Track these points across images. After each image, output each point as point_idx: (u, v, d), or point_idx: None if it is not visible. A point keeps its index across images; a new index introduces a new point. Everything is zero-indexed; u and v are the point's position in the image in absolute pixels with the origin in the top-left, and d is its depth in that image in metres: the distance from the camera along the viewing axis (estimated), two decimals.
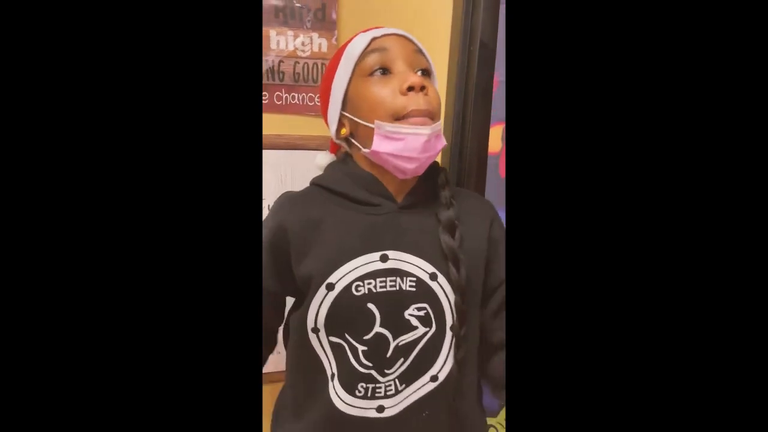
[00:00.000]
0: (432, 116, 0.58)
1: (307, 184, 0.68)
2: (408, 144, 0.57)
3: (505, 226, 0.89)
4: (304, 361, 0.63)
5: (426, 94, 0.58)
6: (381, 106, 0.58)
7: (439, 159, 0.91)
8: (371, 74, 0.59)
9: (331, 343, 0.61)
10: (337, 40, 0.85)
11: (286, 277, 0.62)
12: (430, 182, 0.64)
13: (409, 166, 0.59)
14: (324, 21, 0.84)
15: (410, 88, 0.57)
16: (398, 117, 0.57)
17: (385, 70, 0.59)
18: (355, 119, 0.60)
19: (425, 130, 0.57)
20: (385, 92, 0.58)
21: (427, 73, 0.62)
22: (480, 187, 0.89)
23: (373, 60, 0.59)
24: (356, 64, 0.60)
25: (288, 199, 0.65)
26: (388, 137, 0.57)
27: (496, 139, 0.88)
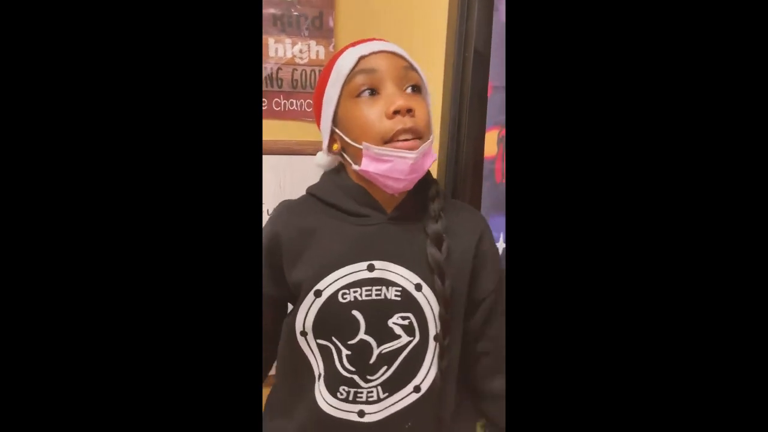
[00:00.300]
0: (420, 135, 0.59)
1: (305, 189, 0.69)
2: (395, 166, 0.58)
3: (505, 232, 0.91)
4: (293, 362, 0.65)
5: (413, 116, 0.58)
6: (369, 129, 0.59)
7: (435, 164, 0.92)
8: (359, 95, 0.60)
9: (319, 345, 0.62)
10: (334, 47, 0.86)
11: (282, 283, 0.64)
12: (420, 195, 0.65)
13: (397, 185, 0.60)
14: (321, 29, 0.85)
15: (396, 112, 0.57)
16: (386, 140, 0.58)
17: (373, 91, 0.59)
18: (345, 138, 0.61)
19: (411, 155, 0.57)
20: (372, 115, 0.58)
21: (417, 89, 0.61)
22: (476, 191, 0.91)
23: (360, 81, 0.59)
24: (344, 84, 0.60)
25: (285, 208, 0.67)
26: (375, 159, 0.59)
27: (492, 143, 0.90)
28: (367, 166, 0.59)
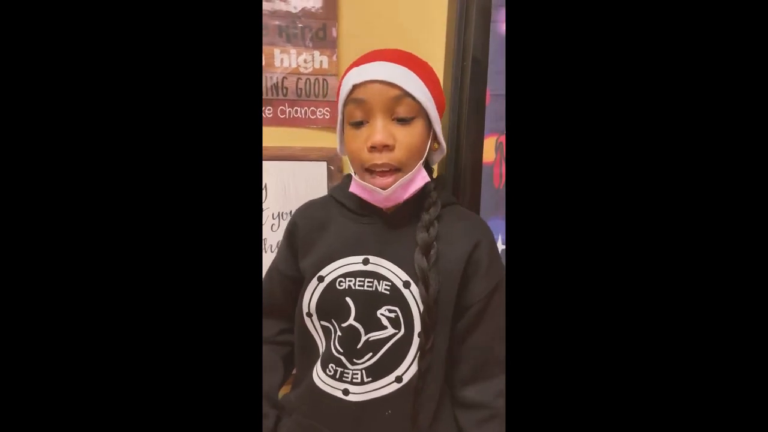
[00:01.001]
0: (398, 168, 0.63)
1: (309, 194, 0.78)
2: (372, 195, 0.65)
3: (503, 234, 0.93)
4: (303, 340, 0.72)
5: (391, 150, 0.62)
6: (354, 157, 0.65)
7: (436, 169, 0.95)
8: (351, 123, 0.65)
9: (322, 327, 0.69)
10: (337, 57, 0.89)
11: (296, 266, 0.72)
12: (419, 202, 0.69)
13: (380, 206, 0.67)
14: (325, 39, 0.88)
15: (374, 147, 0.62)
16: (365, 169, 0.64)
17: (361, 123, 0.64)
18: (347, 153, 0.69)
19: (385, 192, 0.63)
20: (356, 145, 0.64)
21: (405, 119, 0.63)
22: (476, 196, 0.93)
23: (351, 110, 0.64)
24: (344, 108, 0.66)
25: (307, 204, 0.77)
26: (358, 185, 0.66)
27: (490, 149, 0.92)
28: (354, 189, 0.68)
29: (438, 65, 0.92)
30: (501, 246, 0.96)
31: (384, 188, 0.63)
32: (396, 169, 0.64)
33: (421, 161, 0.66)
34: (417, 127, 0.64)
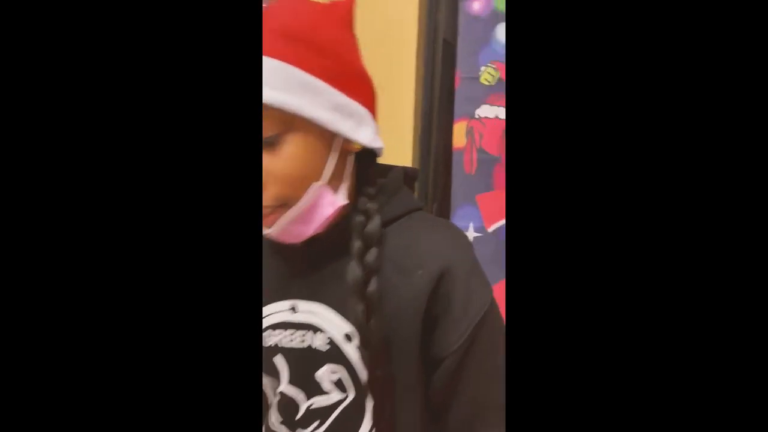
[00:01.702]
0: (284, 203, 0.48)
1: None
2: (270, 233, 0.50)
3: (474, 222, 0.93)
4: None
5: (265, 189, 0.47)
6: None
7: (409, 157, 0.92)
8: None
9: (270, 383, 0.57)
10: None
11: None
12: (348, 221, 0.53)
13: (285, 242, 0.52)
14: None
15: None
16: None
17: None
18: None
19: (272, 231, 0.49)
20: None
21: (268, 142, 0.46)
22: (447, 183, 0.92)
23: None
24: None
25: None
26: None
27: (460, 135, 0.90)
28: None
29: (410, 51, 0.89)
30: (474, 234, 0.95)
31: (269, 226, 0.48)
32: (281, 205, 0.48)
33: (320, 183, 0.49)
34: (291, 146, 0.47)
